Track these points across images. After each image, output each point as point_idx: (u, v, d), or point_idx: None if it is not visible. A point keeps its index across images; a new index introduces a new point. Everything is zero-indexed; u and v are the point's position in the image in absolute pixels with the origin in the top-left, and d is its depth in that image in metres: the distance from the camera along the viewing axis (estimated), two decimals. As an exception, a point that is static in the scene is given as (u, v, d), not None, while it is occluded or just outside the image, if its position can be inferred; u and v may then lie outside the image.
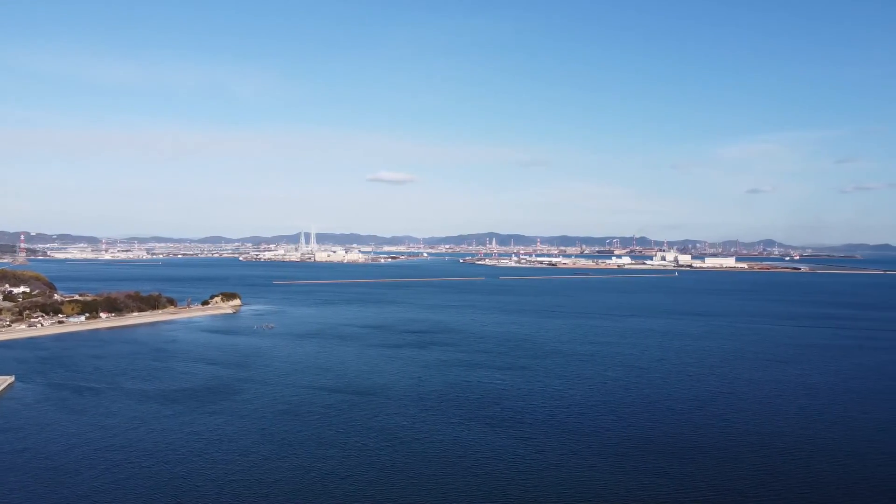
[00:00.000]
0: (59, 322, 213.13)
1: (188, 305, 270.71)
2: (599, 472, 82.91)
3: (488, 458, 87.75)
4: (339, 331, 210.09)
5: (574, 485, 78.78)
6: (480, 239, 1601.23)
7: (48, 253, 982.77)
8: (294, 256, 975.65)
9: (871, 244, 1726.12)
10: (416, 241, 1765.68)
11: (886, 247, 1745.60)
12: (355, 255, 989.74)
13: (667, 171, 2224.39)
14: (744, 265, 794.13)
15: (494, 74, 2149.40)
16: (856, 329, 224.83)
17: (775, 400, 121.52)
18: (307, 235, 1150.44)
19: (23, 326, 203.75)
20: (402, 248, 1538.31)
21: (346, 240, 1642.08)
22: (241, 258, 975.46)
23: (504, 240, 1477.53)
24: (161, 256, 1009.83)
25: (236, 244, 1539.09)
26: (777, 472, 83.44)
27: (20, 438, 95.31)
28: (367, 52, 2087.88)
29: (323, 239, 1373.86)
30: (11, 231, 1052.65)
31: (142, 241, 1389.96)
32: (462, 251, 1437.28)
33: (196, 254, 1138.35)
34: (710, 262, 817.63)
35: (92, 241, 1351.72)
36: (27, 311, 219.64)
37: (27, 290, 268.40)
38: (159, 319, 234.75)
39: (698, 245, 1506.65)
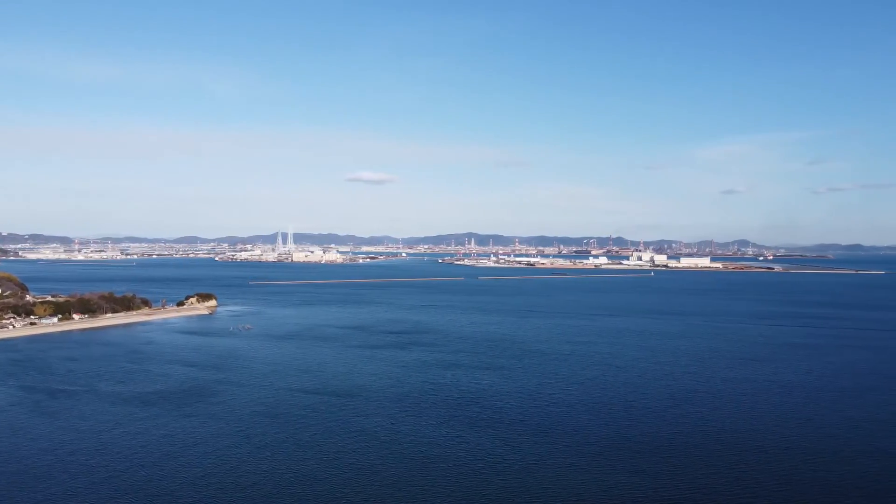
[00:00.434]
0: (32, 323, 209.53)
1: (163, 306, 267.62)
2: (577, 471, 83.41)
3: (467, 458, 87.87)
4: (318, 332, 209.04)
5: (552, 484, 79.16)
6: (459, 239, 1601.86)
7: (20, 253, 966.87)
8: (271, 257, 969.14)
9: (842, 244, 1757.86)
10: (394, 241, 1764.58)
11: (858, 247, 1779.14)
12: (333, 256, 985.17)
13: (643, 171, 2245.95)
14: (718, 265, 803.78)
15: (474, 75, 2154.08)
16: (828, 328, 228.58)
17: (750, 398, 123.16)
18: (284, 235, 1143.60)
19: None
20: (380, 249, 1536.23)
21: (324, 240, 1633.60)
22: (216, 258, 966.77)
23: (483, 240, 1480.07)
24: (135, 257, 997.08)
25: (212, 244, 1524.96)
26: (751, 469, 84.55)
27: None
28: (346, 51, 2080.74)
29: (300, 239, 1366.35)
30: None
31: (115, 241, 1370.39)
32: (441, 251, 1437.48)
33: (171, 254, 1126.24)
34: (685, 262, 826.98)
35: (65, 241, 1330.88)
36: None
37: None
38: (134, 321, 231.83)
39: (674, 245, 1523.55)
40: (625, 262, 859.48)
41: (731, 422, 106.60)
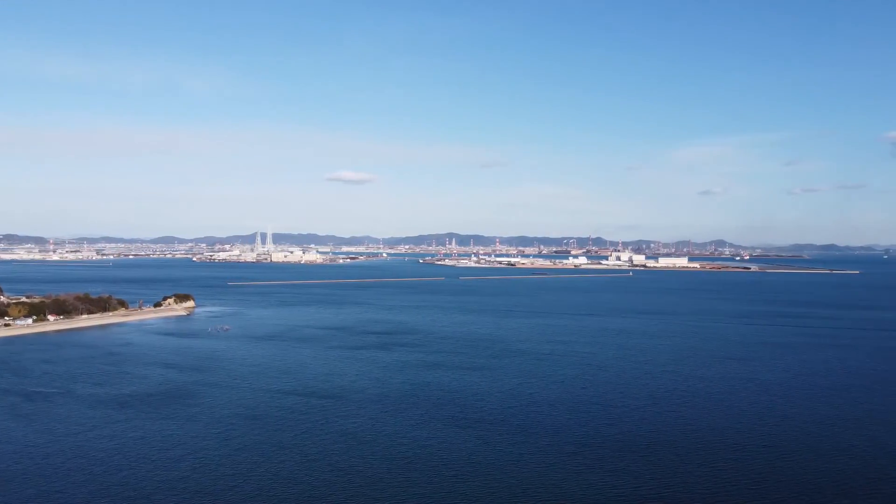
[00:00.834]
0: (6, 325, 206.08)
1: (140, 307, 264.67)
2: (557, 470, 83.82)
3: (447, 458, 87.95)
4: (298, 332, 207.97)
5: (532, 483, 79.48)
6: (440, 239, 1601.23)
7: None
8: (250, 257, 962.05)
9: (817, 244, 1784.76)
10: (375, 241, 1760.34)
11: (832, 247, 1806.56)
12: (313, 256, 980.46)
13: (622, 172, 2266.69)
14: (696, 265, 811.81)
15: (454, 74, 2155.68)
16: (803, 326, 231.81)
17: (727, 397, 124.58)
18: (263, 236, 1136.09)
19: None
20: (361, 249, 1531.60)
21: (304, 240, 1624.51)
22: (194, 259, 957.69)
23: (464, 240, 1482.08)
24: (111, 257, 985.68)
25: (190, 245, 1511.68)
26: (729, 467, 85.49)
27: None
28: (326, 50, 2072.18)
29: (280, 239, 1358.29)
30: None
31: (91, 241, 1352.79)
32: (422, 251, 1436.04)
33: (148, 254, 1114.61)
34: (663, 262, 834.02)
35: (39, 241, 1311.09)
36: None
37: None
38: (110, 322, 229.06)
39: (652, 245, 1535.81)
40: (604, 262, 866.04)
41: (708, 420, 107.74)
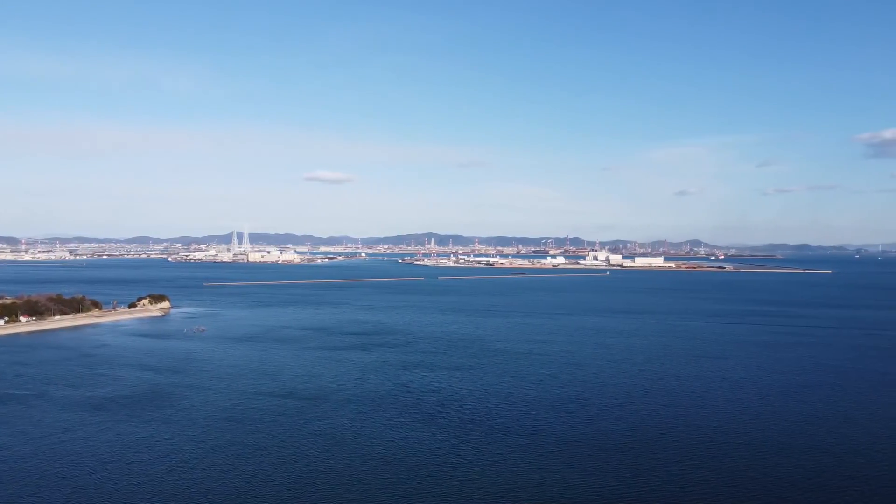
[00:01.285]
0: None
1: (114, 308, 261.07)
2: (536, 470, 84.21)
3: (426, 458, 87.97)
4: (276, 333, 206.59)
5: (511, 483, 79.75)
6: (419, 239, 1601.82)
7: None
8: (226, 257, 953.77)
9: (791, 244, 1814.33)
10: (353, 241, 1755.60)
11: (805, 246, 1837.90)
12: (291, 256, 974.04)
13: (599, 173, 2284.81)
14: (672, 265, 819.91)
15: (433, 74, 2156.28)
16: (776, 325, 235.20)
17: (702, 395, 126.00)
18: (240, 235, 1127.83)
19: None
20: (339, 249, 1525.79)
21: (281, 240, 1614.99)
22: (170, 259, 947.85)
23: (443, 240, 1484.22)
24: (85, 257, 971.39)
25: (165, 244, 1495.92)
26: (703, 465, 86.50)
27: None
28: (303, 49, 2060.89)
29: (257, 239, 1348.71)
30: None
31: (64, 241, 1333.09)
32: (401, 251, 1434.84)
33: (122, 254, 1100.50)
34: (640, 262, 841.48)
35: (11, 241, 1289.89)
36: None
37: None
38: (83, 323, 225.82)
39: (629, 245, 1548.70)
40: (581, 261, 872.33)
41: (684, 418, 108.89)
